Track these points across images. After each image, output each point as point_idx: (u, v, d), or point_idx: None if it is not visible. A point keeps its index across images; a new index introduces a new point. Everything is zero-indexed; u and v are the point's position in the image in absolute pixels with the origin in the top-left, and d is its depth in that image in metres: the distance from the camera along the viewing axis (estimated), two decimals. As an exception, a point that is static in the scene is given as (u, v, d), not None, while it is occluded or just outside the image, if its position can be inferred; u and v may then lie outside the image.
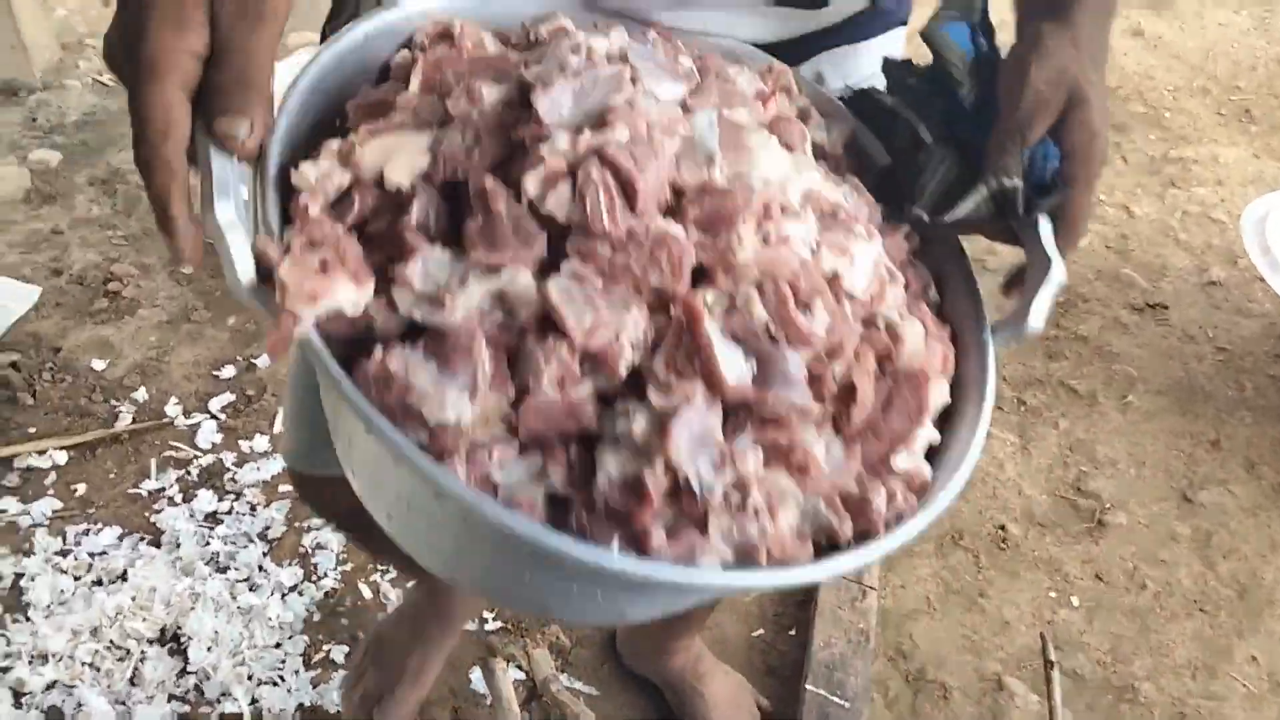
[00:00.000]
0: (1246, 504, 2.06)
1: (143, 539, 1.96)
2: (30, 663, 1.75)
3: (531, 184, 0.58)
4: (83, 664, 1.76)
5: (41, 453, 2.08)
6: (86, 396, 2.21)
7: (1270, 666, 1.82)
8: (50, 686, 1.73)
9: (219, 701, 1.74)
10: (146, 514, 2.00)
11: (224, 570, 1.91)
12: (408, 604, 1.70)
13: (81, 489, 2.03)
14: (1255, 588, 1.93)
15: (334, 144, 0.62)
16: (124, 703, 1.72)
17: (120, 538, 1.95)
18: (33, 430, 2.13)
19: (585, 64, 0.63)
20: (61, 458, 2.08)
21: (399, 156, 0.61)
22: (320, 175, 0.60)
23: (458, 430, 0.55)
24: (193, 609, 1.84)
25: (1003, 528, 2.02)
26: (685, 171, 0.61)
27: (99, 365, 2.27)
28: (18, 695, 1.72)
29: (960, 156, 0.71)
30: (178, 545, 1.94)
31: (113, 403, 2.20)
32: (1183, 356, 2.38)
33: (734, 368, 0.59)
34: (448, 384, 0.55)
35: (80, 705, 1.71)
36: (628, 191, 0.58)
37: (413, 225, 0.59)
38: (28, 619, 1.82)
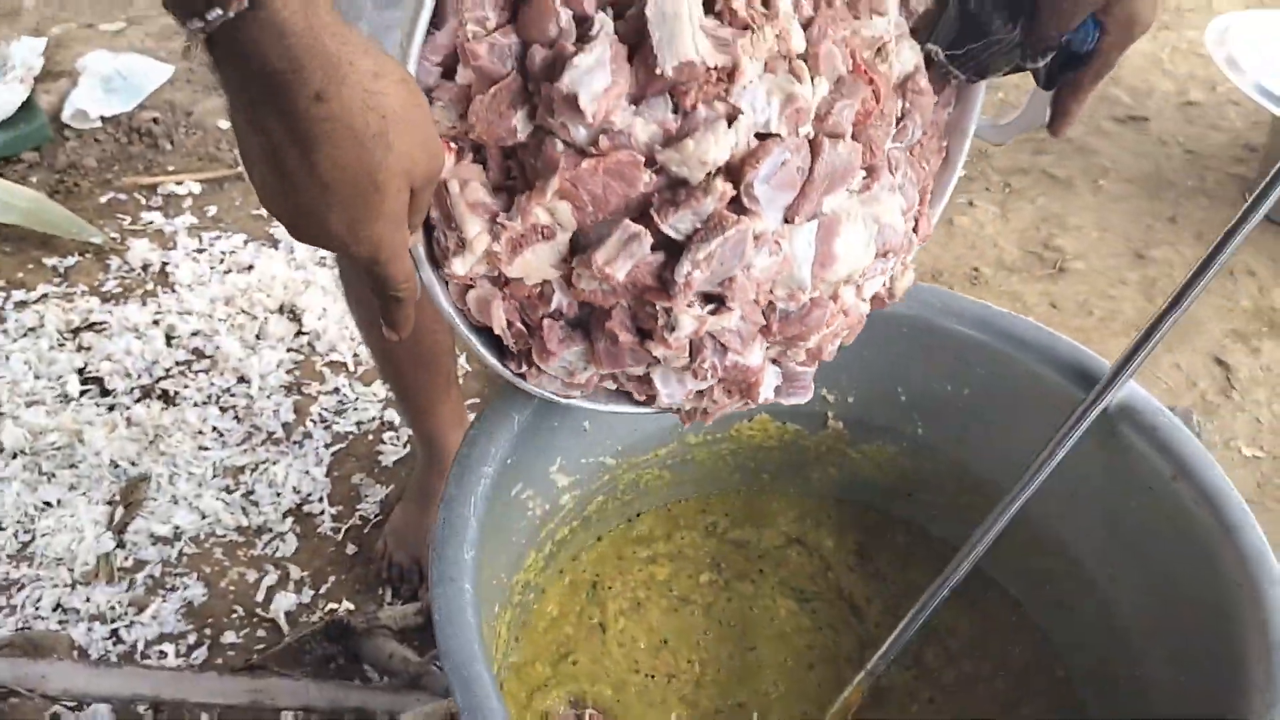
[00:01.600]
0: (1191, 260, 2.40)
1: (264, 244, 2.40)
2: (179, 315, 2.20)
3: (659, 352, 0.81)
4: (219, 320, 2.20)
5: (179, 183, 2.53)
6: (215, 146, 2.65)
7: (1190, 372, 2.17)
8: (195, 334, 2.18)
9: (327, 354, 2.17)
10: (267, 229, 2.43)
11: (333, 268, 2.33)
12: (409, 494, 1.82)
13: (213, 210, 2.48)
14: (1185, 319, 2.27)
15: (480, 244, 0.75)
16: (252, 348, 2.16)
17: (246, 241, 2.40)
18: (171, 168, 2.57)
19: (715, 216, 0.72)
20: (196, 188, 2.53)
21: (535, 273, 0.78)
22: (469, 269, 0.78)
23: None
24: (305, 290, 2.27)
25: (976, 269, 2.38)
26: (779, 293, 0.81)
27: (225, 125, 2.70)
28: (169, 338, 2.17)
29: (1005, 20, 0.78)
30: (292, 251, 2.38)
31: (237, 153, 2.63)
32: (1155, 156, 2.71)
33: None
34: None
35: (218, 347, 2.15)
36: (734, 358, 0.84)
37: (550, 314, 0.82)
38: (174, 291, 2.27)
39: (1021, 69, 0.83)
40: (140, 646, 1.73)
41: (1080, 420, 1.02)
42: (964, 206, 2.55)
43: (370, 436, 2.04)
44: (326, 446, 2.01)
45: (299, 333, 2.21)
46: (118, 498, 1.92)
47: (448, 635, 0.83)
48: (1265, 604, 0.88)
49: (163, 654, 1.72)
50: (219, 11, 0.52)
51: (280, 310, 2.25)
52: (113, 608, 1.77)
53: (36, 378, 2.06)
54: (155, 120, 2.66)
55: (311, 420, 2.05)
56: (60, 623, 1.75)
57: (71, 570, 1.81)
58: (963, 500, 1.19)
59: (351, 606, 1.79)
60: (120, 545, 1.86)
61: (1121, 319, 2.28)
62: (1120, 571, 1.07)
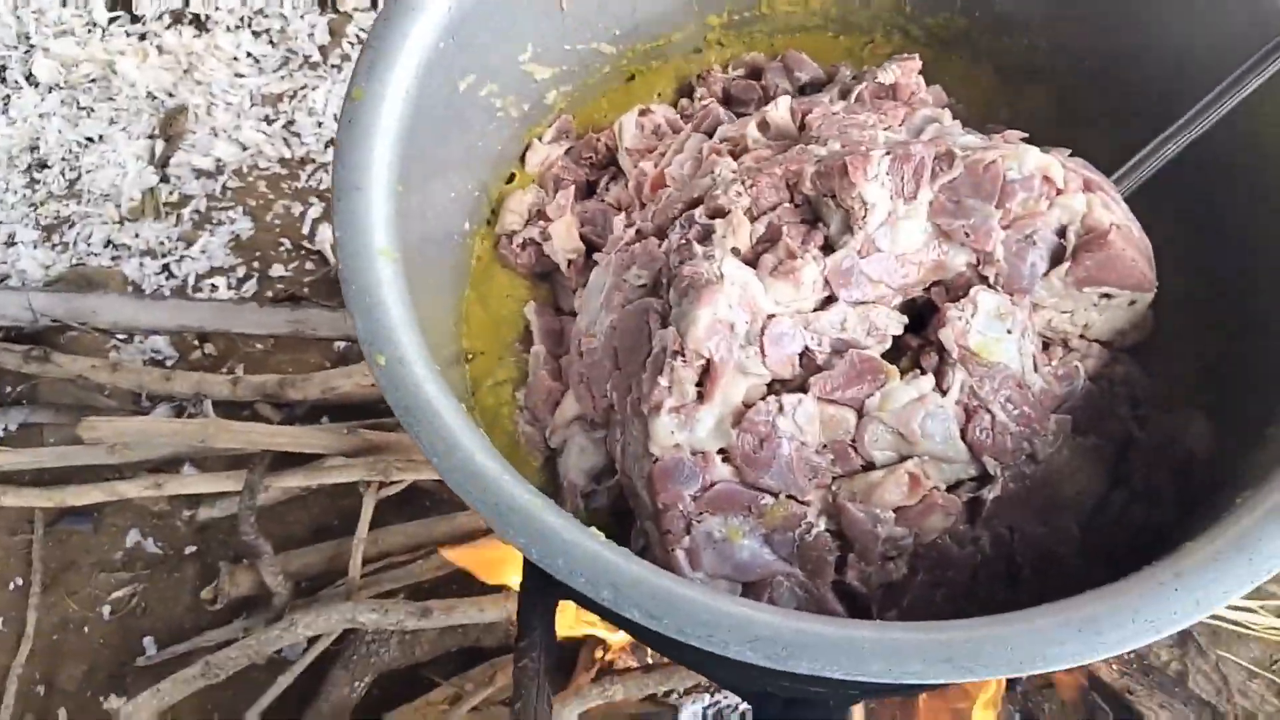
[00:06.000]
0: None
1: None
2: (201, -71, 2.00)
3: None
4: (245, -67, 1.99)
5: None
6: None
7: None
8: (220, -50, 1.98)
9: (362, -34, 1.95)
10: None
11: None
12: None
13: None
14: None
15: (526, 202, 0.93)
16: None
17: None
18: None
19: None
20: None
21: (565, 242, 0.90)
22: (521, 213, 0.93)
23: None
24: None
25: None
26: None
27: None
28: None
29: None
30: None
31: None
32: None
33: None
34: None
35: (246, -37, 1.96)
36: None
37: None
38: (197, -99, 2.05)
39: None
40: (192, 281, 1.70)
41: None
42: None
43: (412, 56, 1.86)
44: (366, 69, 1.85)
45: (331, -57, 1.99)
46: (157, 131, 1.83)
47: (348, 256, 0.70)
48: None
49: (214, 287, 1.69)
50: None
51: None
52: (162, 243, 1.74)
53: (63, 5, 1.93)
54: None
55: (348, 41, 1.88)
56: (113, 259, 1.73)
57: (119, 206, 1.77)
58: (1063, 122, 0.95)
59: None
60: (164, 180, 1.79)
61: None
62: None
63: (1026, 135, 0.81)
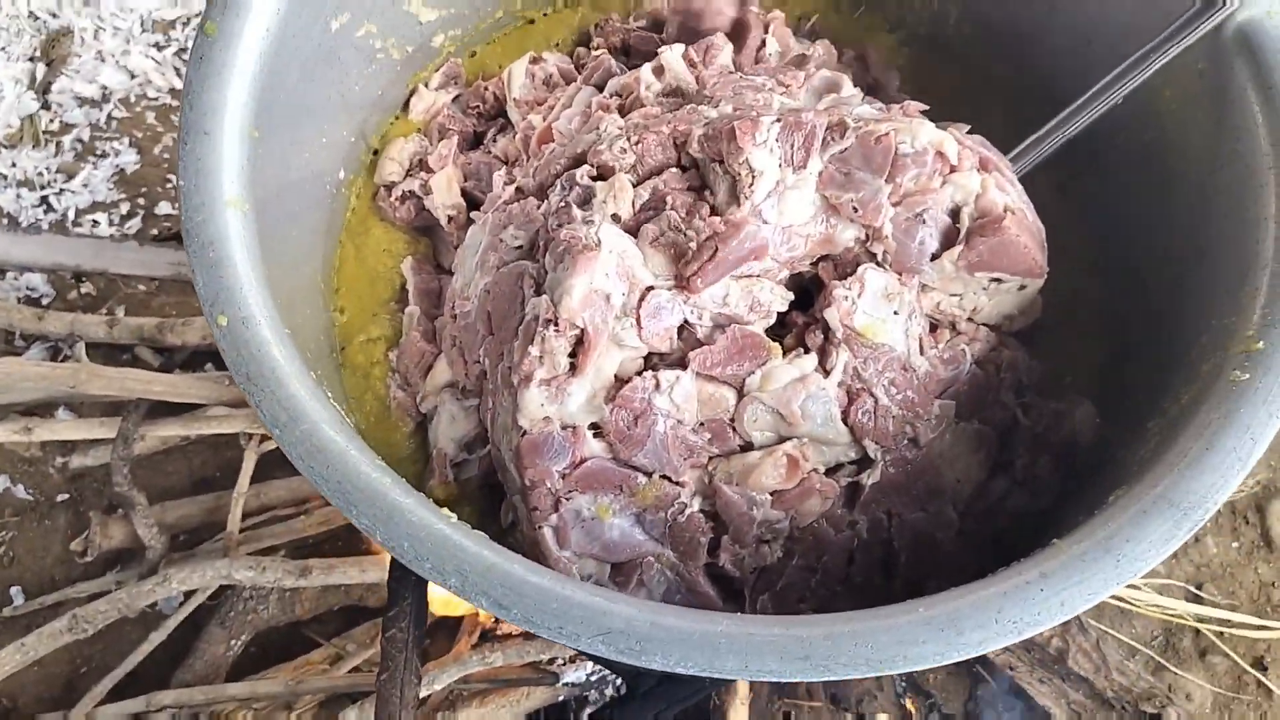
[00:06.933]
0: None
1: None
2: None
3: None
4: None
5: None
6: None
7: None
8: None
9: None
10: None
11: None
12: None
13: None
14: None
15: (407, 151, 0.89)
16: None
17: None
18: None
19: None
20: None
21: (446, 197, 0.86)
22: (401, 162, 0.89)
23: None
24: None
25: None
26: None
27: None
28: None
29: None
30: None
31: None
32: None
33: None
34: None
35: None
36: None
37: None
38: None
39: None
40: (72, 215, 1.61)
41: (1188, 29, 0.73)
42: None
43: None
44: (267, -3, 1.75)
45: None
46: (39, 53, 1.72)
47: (193, 207, 0.65)
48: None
49: (95, 223, 1.60)
50: None
51: None
52: (41, 173, 1.63)
53: (-64, -89, 1.79)
54: None
55: (249, -34, 1.78)
56: (-13, 188, 1.62)
57: (-6, 132, 1.65)
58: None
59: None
60: (45, 106, 1.68)
61: None
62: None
63: (927, 108, 0.77)
